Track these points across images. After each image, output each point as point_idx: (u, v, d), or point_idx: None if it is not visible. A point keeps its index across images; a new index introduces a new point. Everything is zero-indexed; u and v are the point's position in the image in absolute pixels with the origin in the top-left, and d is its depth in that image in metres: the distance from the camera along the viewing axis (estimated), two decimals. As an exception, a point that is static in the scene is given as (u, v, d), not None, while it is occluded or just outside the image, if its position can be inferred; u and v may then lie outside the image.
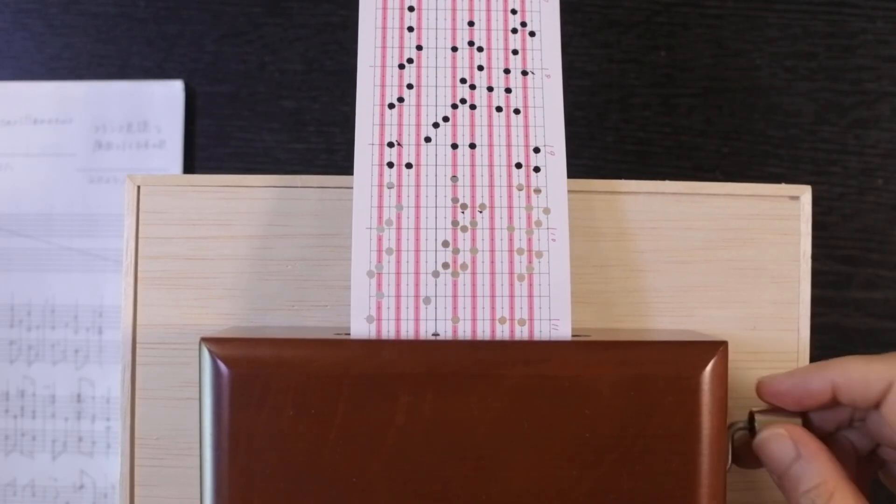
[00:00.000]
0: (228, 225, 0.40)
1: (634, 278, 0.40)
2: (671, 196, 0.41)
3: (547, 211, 0.37)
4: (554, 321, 0.36)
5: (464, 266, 0.36)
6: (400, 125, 0.37)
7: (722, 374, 0.33)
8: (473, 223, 0.36)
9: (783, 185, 0.41)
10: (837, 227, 0.57)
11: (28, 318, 0.57)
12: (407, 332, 0.35)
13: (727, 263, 0.41)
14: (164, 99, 0.58)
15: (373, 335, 0.35)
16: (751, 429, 0.36)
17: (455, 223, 0.36)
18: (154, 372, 0.39)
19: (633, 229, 0.40)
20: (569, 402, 0.33)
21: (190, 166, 0.58)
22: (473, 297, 0.36)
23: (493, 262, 0.36)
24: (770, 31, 0.58)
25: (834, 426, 0.37)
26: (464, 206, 0.37)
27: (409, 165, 0.37)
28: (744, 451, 0.36)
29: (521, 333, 0.36)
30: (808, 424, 0.36)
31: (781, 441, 0.34)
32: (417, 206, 0.36)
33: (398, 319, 0.36)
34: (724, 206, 0.41)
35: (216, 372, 0.33)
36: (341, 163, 0.58)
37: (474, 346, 0.34)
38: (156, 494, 0.39)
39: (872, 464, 0.37)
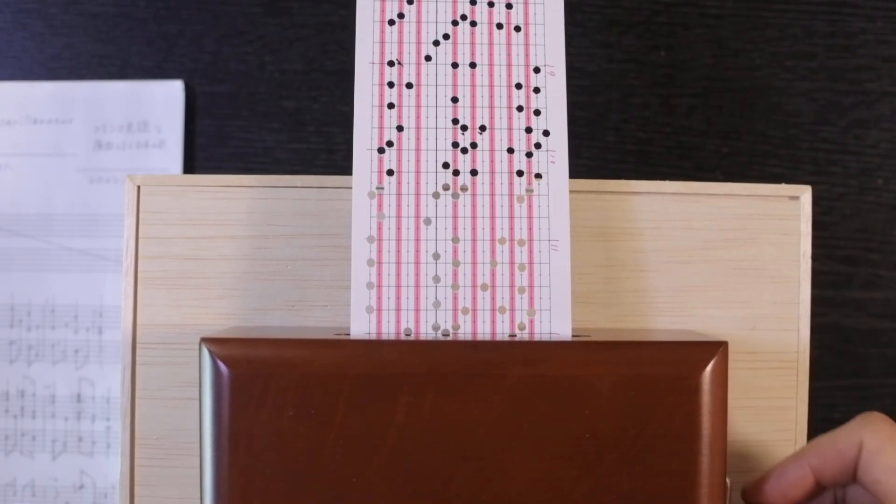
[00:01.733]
0: (228, 225, 0.40)
1: (634, 278, 0.40)
2: (671, 196, 0.41)
3: (546, 133, 0.37)
4: (553, 241, 0.36)
5: (464, 187, 0.36)
6: (400, 43, 0.37)
7: (722, 374, 0.33)
8: (473, 144, 0.37)
9: (783, 185, 0.41)
10: (837, 227, 0.57)
11: (28, 318, 0.57)
12: (408, 251, 0.36)
13: (727, 263, 0.41)
14: (164, 99, 0.58)
15: (373, 254, 0.36)
16: None
17: (455, 144, 0.37)
18: (154, 372, 0.39)
19: (633, 229, 0.40)
20: (569, 402, 0.33)
21: (190, 166, 0.58)
22: (473, 217, 0.36)
23: (492, 183, 0.36)
24: (770, 31, 0.58)
25: None
26: (464, 128, 0.37)
27: (409, 85, 0.37)
28: None
29: (521, 255, 0.36)
30: None
31: None
32: (418, 128, 0.37)
33: (399, 240, 0.36)
34: (724, 206, 0.41)
35: (216, 372, 0.33)
36: (341, 163, 0.58)
37: (474, 346, 0.34)
38: (156, 494, 0.39)
39: None
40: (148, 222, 0.40)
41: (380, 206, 0.36)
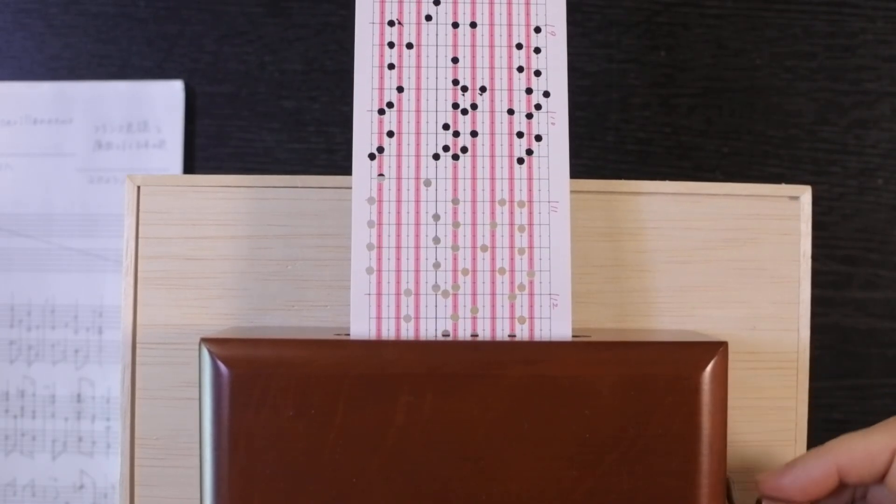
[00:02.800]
0: (228, 225, 0.40)
1: (635, 278, 0.40)
2: (671, 196, 0.41)
3: (547, 94, 0.37)
4: (553, 203, 0.36)
5: (464, 149, 0.36)
6: (400, 2, 0.37)
7: (722, 375, 0.33)
8: (474, 106, 0.37)
9: (783, 185, 0.41)
10: (837, 227, 0.57)
11: (28, 318, 0.57)
12: (408, 213, 0.36)
13: (727, 263, 0.41)
14: (164, 99, 0.58)
15: (374, 215, 0.36)
16: None
17: (455, 105, 0.37)
18: (154, 372, 0.39)
19: (633, 229, 0.40)
20: (569, 402, 0.33)
21: (190, 166, 0.58)
22: (473, 179, 0.36)
23: (493, 144, 0.37)
24: (770, 31, 0.58)
25: None
26: (464, 89, 0.37)
27: (409, 45, 0.37)
28: None
29: (520, 217, 0.36)
30: None
31: None
32: (418, 89, 0.37)
33: (399, 201, 0.36)
34: (724, 206, 0.41)
35: (216, 372, 0.33)
36: (341, 163, 0.58)
37: (474, 346, 0.34)
38: (156, 494, 0.39)
39: None
40: (148, 222, 0.40)
41: (380, 167, 0.36)
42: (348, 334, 0.36)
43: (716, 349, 0.33)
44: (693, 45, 0.58)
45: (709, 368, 0.33)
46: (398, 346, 0.34)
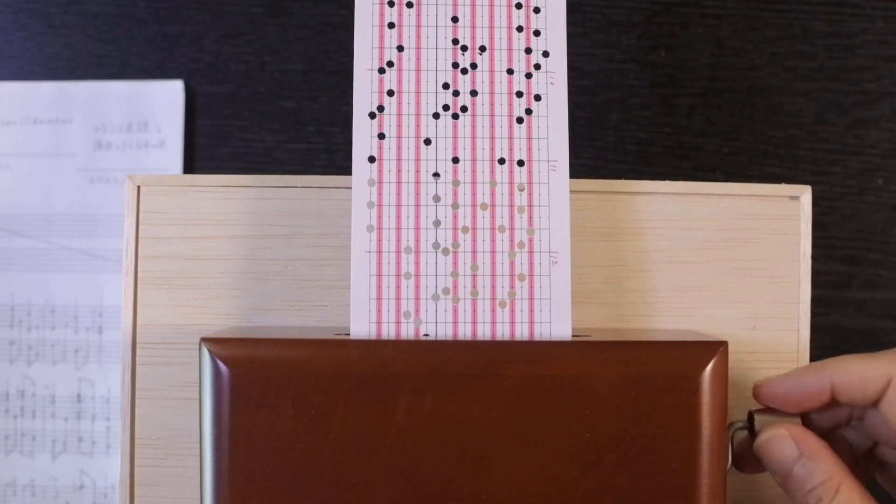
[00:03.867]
0: (228, 225, 0.40)
1: (634, 278, 0.40)
2: (671, 196, 0.41)
3: (546, 54, 0.37)
4: (552, 162, 0.36)
5: (464, 108, 0.37)
6: None
7: (722, 374, 0.33)
8: (473, 65, 0.37)
9: (783, 185, 0.41)
10: (837, 227, 0.57)
11: (28, 318, 0.57)
12: (408, 171, 0.36)
13: (727, 263, 0.41)
14: (164, 99, 0.58)
15: (374, 174, 0.36)
16: (750, 429, 0.36)
17: (455, 65, 0.37)
18: (154, 372, 0.39)
19: (633, 229, 0.40)
20: (569, 402, 0.33)
21: (190, 166, 0.58)
22: (473, 138, 0.37)
23: (492, 104, 0.37)
24: (770, 31, 0.58)
25: (832, 425, 0.37)
26: (464, 48, 0.37)
27: (409, 4, 0.37)
28: (743, 453, 0.36)
29: (520, 176, 0.36)
30: (806, 423, 0.36)
31: (782, 441, 0.34)
32: (418, 48, 0.37)
33: (399, 160, 0.36)
34: (724, 206, 0.41)
35: (216, 372, 0.33)
36: (341, 163, 0.58)
37: (474, 346, 0.34)
38: (156, 494, 0.39)
39: (870, 465, 0.37)
40: (148, 222, 0.40)
41: (380, 125, 0.36)
42: (348, 334, 0.36)
43: (716, 349, 0.33)
44: (693, 45, 0.58)
45: (709, 368, 0.33)
46: (398, 345, 0.34)
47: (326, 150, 0.58)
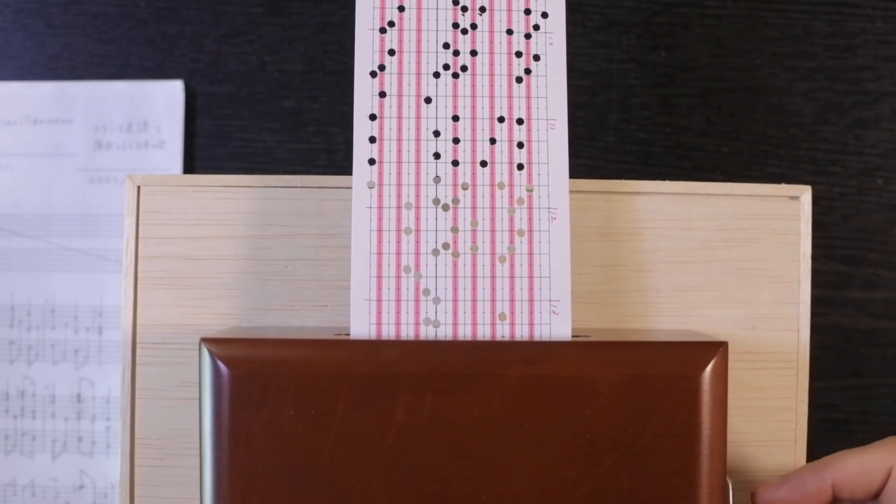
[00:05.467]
0: (228, 225, 0.40)
1: (634, 278, 0.40)
2: (671, 196, 0.41)
3: (545, 15, 0.38)
4: (551, 121, 0.37)
5: (464, 67, 0.37)
6: None
7: (722, 374, 0.33)
8: (473, 25, 0.37)
9: (783, 185, 0.41)
10: (837, 227, 0.57)
11: (28, 318, 0.57)
12: (409, 129, 0.37)
13: (727, 263, 0.41)
14: (164, 99, 0.58)
15: (375, 131, 0.36)
16: None
17: (455, 25, 0.38)
18: (154, 372, 0.39)
19: (633, 229, 0.40)
20: (569, 402, 0.33)
21: (190, 166, 0.58)
22: (473, 97, 0.37)
23: (492, 63, 0.37)
24: (770, 31, 0.58)
25: None
26: (464, 9, 0.38)
27: None
28: None
29: (519, 134, 0.37)
30: None
31: None
32: (419, 8, 0.37)
33: (400, 118, 0.37)
34: (724, 206, 0.41)
35: (216, 372, 0.33)
36: (341, 163, 0.58)
37: (474, 346, 0.34)
38: (156, 494, 0.39)
39: None
40: (148, 222, 0.40)
41: (381, 83, 0.37)
42: (348, 334, 0.36)
43: (716, 349, 0.33)
44: (693, 45, 0.58)
45: (709, 368, 0.33)
46: (398, 345, 0.34)
47: (326, 150, 0.58)
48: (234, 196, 0.40)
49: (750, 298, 0.40)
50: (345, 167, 0.57)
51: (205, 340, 0.33)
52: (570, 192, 0.37)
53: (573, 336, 0.36)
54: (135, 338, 0.39)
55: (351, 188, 0.36)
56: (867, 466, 0.34)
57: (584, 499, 0.33)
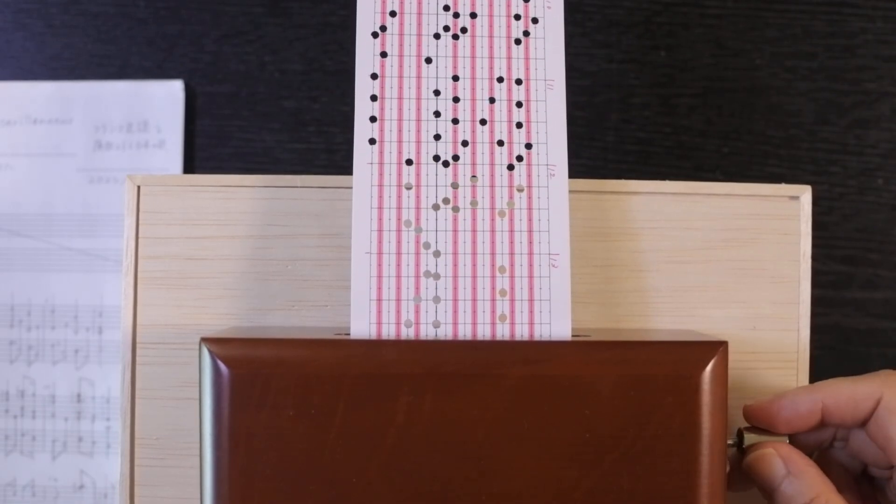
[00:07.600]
0: (228, 225, 0.40)
1: (634, 278, 0.40)
2: (671, 196, 0.41)
3: None
4: (549, 81, 0.37)
5: (464, 29, 0.38)
6: None
7: (722, 374, 0.33)
8: None
9: (783, 185, 0.41)
10: (837, 227, 0.57)
11: (28, 318, 0.57)
12: (409, 88, 0.37)
13: (727, 263, 0.41)
14: (164, 99, 0.58)
15: (376, 90, 0.37)
16: (739, 446, 0.36)
17: None
18: (154, 372, 0.39)
19: (633, 229, 0.40)
20: (569, 402, 0.33)
21: (190, 166, 0.58)
22: (473, 57, 0.38)
23: (491, 25, 0.38)
24: (770, 31, 0.58)
25: (817, 444, 0.37)
26: None
27: None
28: (732, 470, 0.36)
29: (518, 94, 0.37)
30: (793, 442, 0.36)
31: (771, 460, 0.35)
32: None
33: (401, 77, 0.37)
34: (724, 206, 0.41)
35: (216, 372, 0.33)
36: (341, 163, 0.58)
37: (474, 346, 0.34)
38: (156, 494, 0.39)
39: (870, 488, 0.38)
40: (148, 222, 0.40)
41: (382, 45, 0.37)
42: (348, 334, 0.36)
43: (716, 349, 0.33)
44: (693, 45, 0.58)
45: (709, 368, 0.33)
46: (398, 345, 0.34)
47: (326, 150, 0.58)
48: (234, 196, 0.40)
49: (750, 298, 0.40)
50: (345, 167, 0.57)
51: (205, 340, 0.33)
52: (570, 192, 0.37)
53: (573, 336, 0.36)
54: (135, 338, 0.39)
55: (351, 188, 0.36)
56: (858, 394, 0.35)
57: (584, 499, 0.33)
